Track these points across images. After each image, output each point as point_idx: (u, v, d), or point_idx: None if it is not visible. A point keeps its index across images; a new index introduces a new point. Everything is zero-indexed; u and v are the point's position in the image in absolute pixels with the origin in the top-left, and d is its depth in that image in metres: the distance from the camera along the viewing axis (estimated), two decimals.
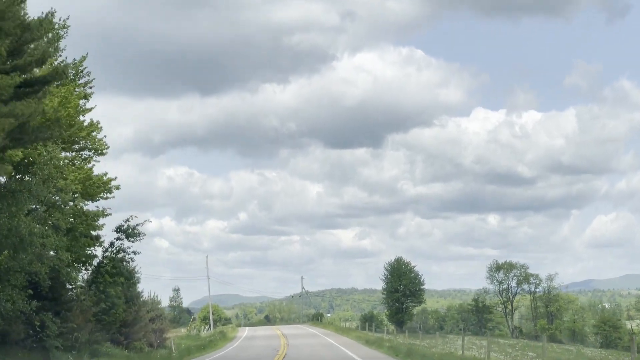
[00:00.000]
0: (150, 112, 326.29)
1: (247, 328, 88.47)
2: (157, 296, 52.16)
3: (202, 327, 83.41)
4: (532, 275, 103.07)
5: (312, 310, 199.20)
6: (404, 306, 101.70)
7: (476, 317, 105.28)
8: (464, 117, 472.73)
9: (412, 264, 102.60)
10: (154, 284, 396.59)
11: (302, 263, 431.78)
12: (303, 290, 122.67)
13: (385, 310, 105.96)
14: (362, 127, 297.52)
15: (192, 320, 73.79)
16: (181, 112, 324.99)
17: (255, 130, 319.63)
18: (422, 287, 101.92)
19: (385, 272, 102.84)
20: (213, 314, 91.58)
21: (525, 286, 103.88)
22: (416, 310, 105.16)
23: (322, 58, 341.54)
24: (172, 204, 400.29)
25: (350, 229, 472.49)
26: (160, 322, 49.28)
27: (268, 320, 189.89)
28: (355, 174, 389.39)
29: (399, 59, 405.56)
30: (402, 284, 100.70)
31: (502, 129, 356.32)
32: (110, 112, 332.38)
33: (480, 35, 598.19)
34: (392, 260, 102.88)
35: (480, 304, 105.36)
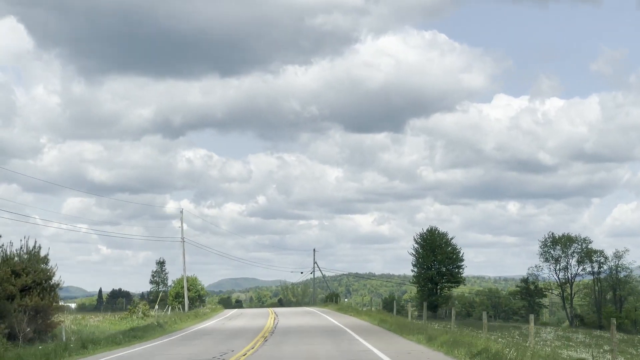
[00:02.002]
0: (170, 93, 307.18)
1: (233, 311, 66.30)
2: (37, 247, 29.54)
3: (168, 308, 61.17)
4: (595, 252, 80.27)
5: (325, 294, 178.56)
6: (438, 287, 79.58)
7: (526, 301, 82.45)
8: (485, 103, 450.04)
9: (449, 235, 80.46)
10: (170, 267, 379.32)
11: (320, 247, 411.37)
12: (315, 265, 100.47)
13: (415, 292, 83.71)
14: (383, 112, 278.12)
15: (138, 304, 49.99)
16: (201, 94, 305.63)
17: (275, 113, 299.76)
18: (461, 264, 79.65)
19: (416, 246, 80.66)
20: (190, 290, 69.56)
21: (587, 265, 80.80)
22: (454, 292, 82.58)
23: (345, 40, 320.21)
24: (191, 187, 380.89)
25: (368, 214, 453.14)
26: (42, 295, 27.39)
27: (281, 304, 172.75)
28: (375, 158, 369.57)
29: (422, 43, 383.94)
30: (437, 259, 78.58)
31: (524, 116, 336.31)
32: (131, 92, 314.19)
33: (506, 19, 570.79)
34: (424, 230, 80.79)
35: (532, 286, 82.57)
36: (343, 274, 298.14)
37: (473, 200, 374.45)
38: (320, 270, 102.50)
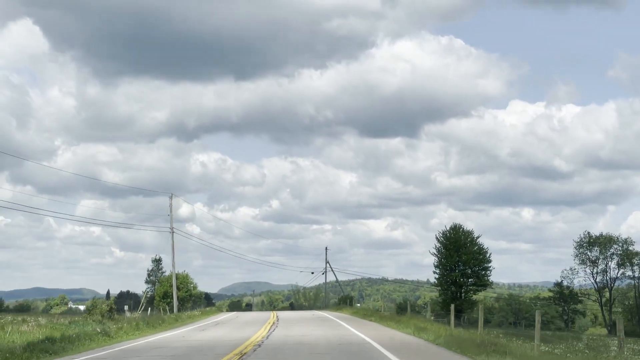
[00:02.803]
0: (185, 96, 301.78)
1: (226, 315, 56.89)
2: None
3: (145, 309, 52.11)
4: (637, 254, 71.39)
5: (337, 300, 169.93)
6: (463, 290, 71.02)
7: (561, 307, 73.63)
8: (500, 109, 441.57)
9: (475, 234, 71.85)
10: (184, 269, 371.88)
11: (333, 252, 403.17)
12: (327, 265, 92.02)
13: (438, 295, 75.08)
14: (398, 117, 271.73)
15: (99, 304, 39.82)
16: (216, 97, 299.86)
17: (290, 117, 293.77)
18: (488, 265, 71.01)
19: (438, 245, 72.09)
20: (180, 289, 60.13)
21: (627, 269, 71.82)
22: (480, 297, 73.84)
23: (361, 45, 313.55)
24: (205, 190, 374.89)
25: (382, 219, 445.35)
26: None
27: (292, 307, 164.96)
28: (390, 163, 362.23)
29: (438, 48, 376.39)
30: (461, 260, 70.03)
31: (540, 122, 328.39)
32: (146, 95, 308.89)
33: (523, 24, 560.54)
34: (447, 228, 72.23)
35: (566, 291, 73.73)
36: (356, 279, 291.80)
37: (487, 207, 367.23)
38: (332, 270, 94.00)
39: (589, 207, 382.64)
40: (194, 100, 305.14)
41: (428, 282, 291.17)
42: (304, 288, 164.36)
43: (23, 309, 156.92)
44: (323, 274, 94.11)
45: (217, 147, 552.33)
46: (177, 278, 58.27)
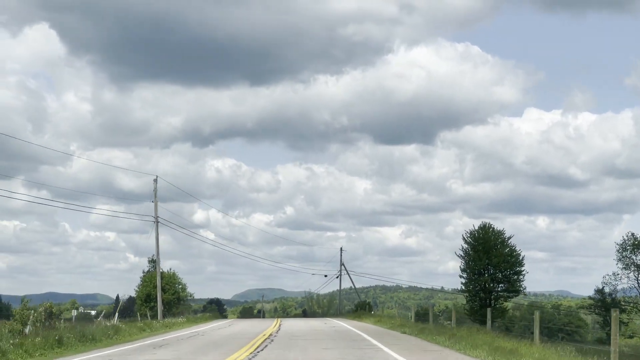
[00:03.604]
0: (200, 102, 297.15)
1: (216, 323, 47.93)
2: None
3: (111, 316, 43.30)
4: None
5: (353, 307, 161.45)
6: (492, 296, 62.94)
7: (602, 316, 65.38)
8: (516, 117, 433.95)
9: (506, 234, 63.73)
10: (198, 276, 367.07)
11: (347, 259, 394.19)
12: (342, 267, 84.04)
13: (465, 302, 66.94)
14: (414, 123, 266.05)
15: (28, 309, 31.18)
16: (231, 102, 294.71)
17: (305, 124, 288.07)
18: (521, 269, 62.85)
19: (465, 246, 64.02)
20: (166, 291, 50.85)
21: None
22: (510, 304, 65.54)
23: (378, 51, 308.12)
24: (219, 196, 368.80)
25: (396, 227, 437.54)
26: None
27: (305, 314, 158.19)
28: (404, 170, 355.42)
29: (454, 55, 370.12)
30: (491, 263, 61.94)
31: (556, 130, 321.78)
32: (161, 100, 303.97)
33: (539, 31, 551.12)
34: (475, 227, 64.17)
35: (608, 298, 65.55)
36: (370, 286, 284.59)
37: (502, 215, 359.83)
38: (348, 273, 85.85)
39: (604, 216, 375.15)
40: (209, 106, 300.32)
41: (442, 289, 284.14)
42: (317, 295, 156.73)
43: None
44: (337, 277, 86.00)
45: (232, 153, 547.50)
46: (162, 277, 49.81)
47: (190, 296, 61.02)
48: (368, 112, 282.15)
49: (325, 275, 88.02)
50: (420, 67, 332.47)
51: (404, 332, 34.24)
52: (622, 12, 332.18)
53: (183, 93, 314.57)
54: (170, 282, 55.49)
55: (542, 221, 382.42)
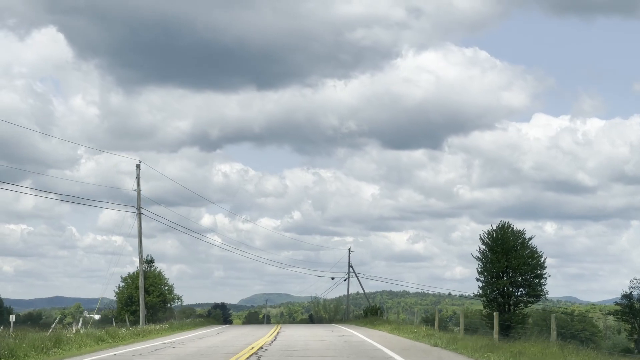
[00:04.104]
0: (208, 106, 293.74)
1: (211, 329, 43.77)
2: None
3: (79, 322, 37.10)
4: None
5: (361, 311, 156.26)
6: (511, 301, 58.25)
7: (630, 323, 60.52)
8: (524, 122, 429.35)
9: (527, 235, 59.03)
10: (205, 280, 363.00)
11: (355, 264, 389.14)
12: (350, 269, 79.07)
13: (483, 308, 62.20)
14: (421, 128, 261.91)
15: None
16: (239, 107, 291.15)
17: (313, 128, 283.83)
18: (542, 272, 58.11)
19: (482, 247, 59.31)
20: (150, 293, 45.44)
21: None
22: (530, 310, 60.66)
23: (386, 55, 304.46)
24: (226, 201, 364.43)
25: (404, 232, 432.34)
26: None
27: (311, 320, 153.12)
28: (412, 176, 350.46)
29: (463, 60, 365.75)
30: (510, 266, 57.25)
31: (564, 135, 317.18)
32: (169, 104, 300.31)
33: (550, 36, 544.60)
34: (494, 227, 59.46)
35: (637, 304, 60.71)
36: (377, 291, 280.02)
37: (510, 220, 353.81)
38: (357, 276, 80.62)
39: (612, 222, 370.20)
40: (217, 110, 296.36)
41: (450, 295, 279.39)
42: (324, 299, 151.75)
43: (33, 318, 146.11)
44: (345, 280, 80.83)
45: (240, 158, 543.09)
46: (146, 277, 44.63)
47: (178, 299, 56.32)
48: (376, 117, 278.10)
49: (333, 278, 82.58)
50: (428, 72, 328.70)
51: (435, 345, 28.15)
52: (632, 17, 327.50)
53: (191, 97, 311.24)
54: (155, 283, 49.73)
55: (549, 227, 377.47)
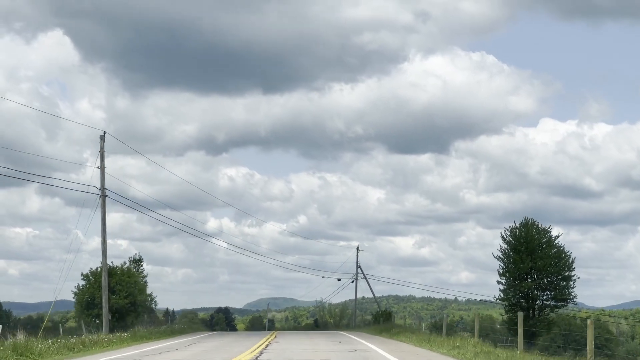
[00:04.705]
0: (214, 109, 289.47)
1: (194, 339, 35.07)
2: None
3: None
4: None
5: (368, 316, 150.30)
6: (537, 305, 52.47)
7: None
8: (531, 127, 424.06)
9: (553, 233, 53.20)
10: (211, 284, 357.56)
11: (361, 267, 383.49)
12: (358, 269, 73.05)
13: (503, 313, 56.32)
14: (428, 133, 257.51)
15: None
16: (245, 110, 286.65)
17: (319, 132, 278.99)
18: (571, 274, 52.29)
19: (504, 246, 53.50)
20: (116, 294, 37.60)
21: None
22: (557, 315, 54.66)
23: (393, 59, 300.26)
24: (232, 205, 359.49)
25: (410, 237, 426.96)
26: None
27: (316, 325, 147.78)
28: (418, 180, 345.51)
29: (469, 65, 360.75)
30: (535, 266, 51.47)
31: (571, 140, 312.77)
32: (175, 108, 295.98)
33: (557, 40, 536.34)
34: (517, 224, 53.62)
35: None
36: (382, 296, 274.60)
37: (516, 225, 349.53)
38: (365, 277, 74.37)
39: (619, 227, 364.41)
40: (223, 113, 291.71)
41: (456, 300, 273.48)
42: (329, 304, 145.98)
43: (33, 322, 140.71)
44: (353, 281, 74.47)
45: (245, 162, 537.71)
46: (111, 275, 37.64)
47: (153, 300, 49.48)
48: (382, 121, 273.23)
49: (339, 279, 75.85)
50: (435, 76, 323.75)
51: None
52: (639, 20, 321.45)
53: (197, 100, 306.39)
54: (122, 281, 41.48)
55: (555, 232, 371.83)
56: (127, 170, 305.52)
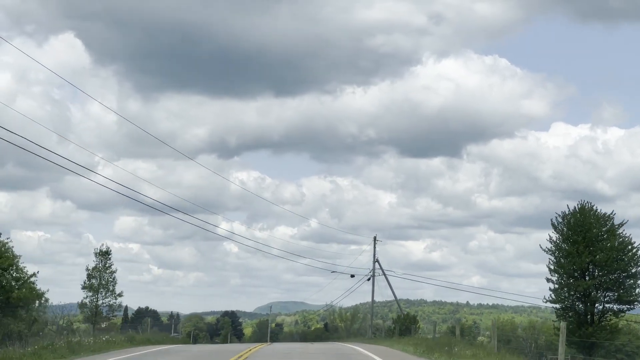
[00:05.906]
0: (226, 113, 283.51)
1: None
2: None
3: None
4: None
5: (379, 320, 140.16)
6: (597, 308, 42.09)
7: None
8: (543, 131, 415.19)
9: (617, 220, 42.82)
10: (222, 288, 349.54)
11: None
12: (376, 263, 62.25)
13: (555, 319, 45.78)
14: (440, 136, 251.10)
15: None
16: (257, 114, 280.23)
17: (331, 135, 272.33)
18: (639, 270, 41.82)
19: (555, 237, 43.12)
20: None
21: None
22: (621, 322, 43.97)
23: (406, 62, 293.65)
24: (243, 208, 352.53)
25: (421, 241, 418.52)
26: None
27: (326, 330, 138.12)
28: (430, 184, 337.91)
29: (482, 68, 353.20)
30: (594, 261, 41.09)
31: (583, 144, 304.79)
32: (187, 111, 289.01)
33: (571, 43, 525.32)
34: (571, 210, 43.23)
35: None
36: (392, 299, 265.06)
37: (528, 229, 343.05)
38: (384, 272, 62.71)
39: (632, 232, 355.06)
40: (235, 117, 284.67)
41: (467, 304, 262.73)
42: (340, 308, 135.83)
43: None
44: (369, 278, 62.86)
45: (257, 165, 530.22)
46: None
47: (45, 300, 40.09)
48: (395, 125, 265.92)
49: (352, 276, 64.65)
50: (448, 80, 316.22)
51: None
52: None
53: (209, 104, 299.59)
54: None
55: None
56: (139, 173, 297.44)
